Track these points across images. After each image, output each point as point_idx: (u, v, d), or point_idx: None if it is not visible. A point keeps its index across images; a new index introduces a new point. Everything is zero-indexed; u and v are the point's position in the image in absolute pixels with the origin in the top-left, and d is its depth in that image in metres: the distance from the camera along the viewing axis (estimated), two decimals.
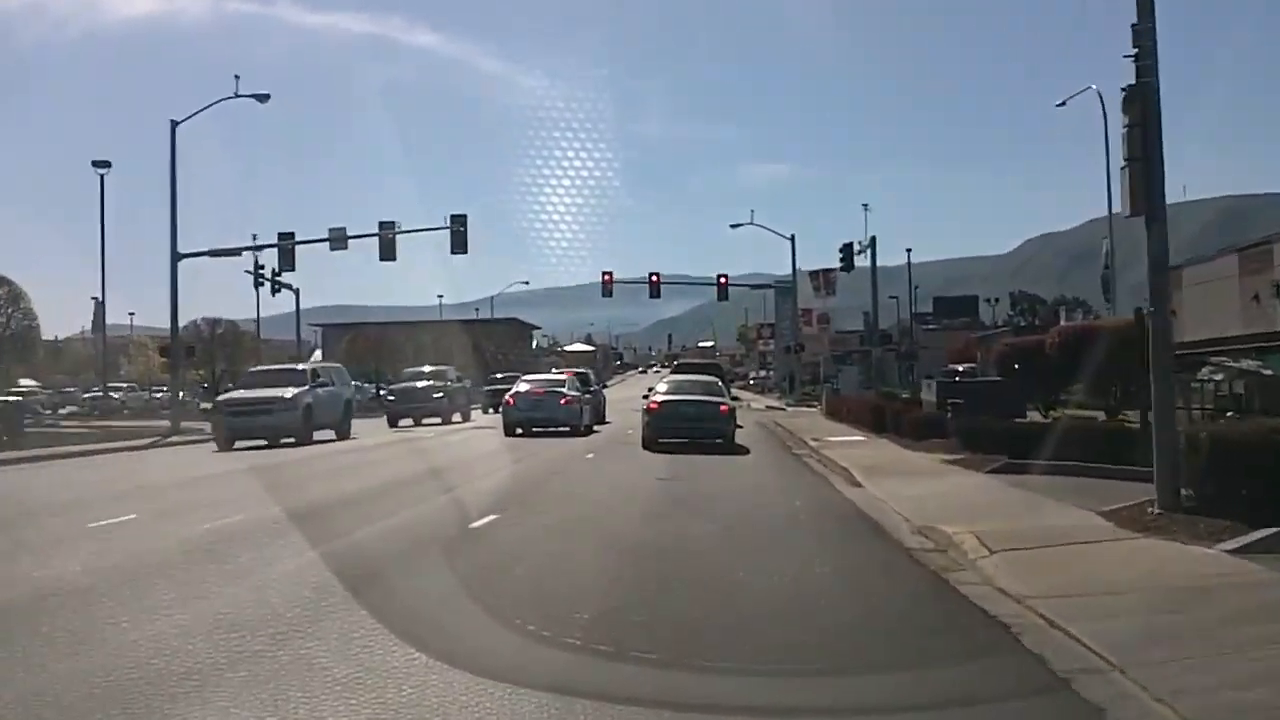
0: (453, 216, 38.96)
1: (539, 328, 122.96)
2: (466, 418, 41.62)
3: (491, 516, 12.12)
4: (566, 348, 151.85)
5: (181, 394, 67.79)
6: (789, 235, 57.67)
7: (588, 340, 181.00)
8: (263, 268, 49.34)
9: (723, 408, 24.23)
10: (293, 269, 40.21)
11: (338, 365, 36.87)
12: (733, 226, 57.82)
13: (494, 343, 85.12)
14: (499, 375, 52.38)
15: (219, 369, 54.72)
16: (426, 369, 44.04)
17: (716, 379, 27.10)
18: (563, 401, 29.40)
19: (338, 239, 39.40)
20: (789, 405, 54.49)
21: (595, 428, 32.61)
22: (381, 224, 39.41)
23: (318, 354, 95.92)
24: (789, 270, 66.10)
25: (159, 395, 64.43)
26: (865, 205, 46.10)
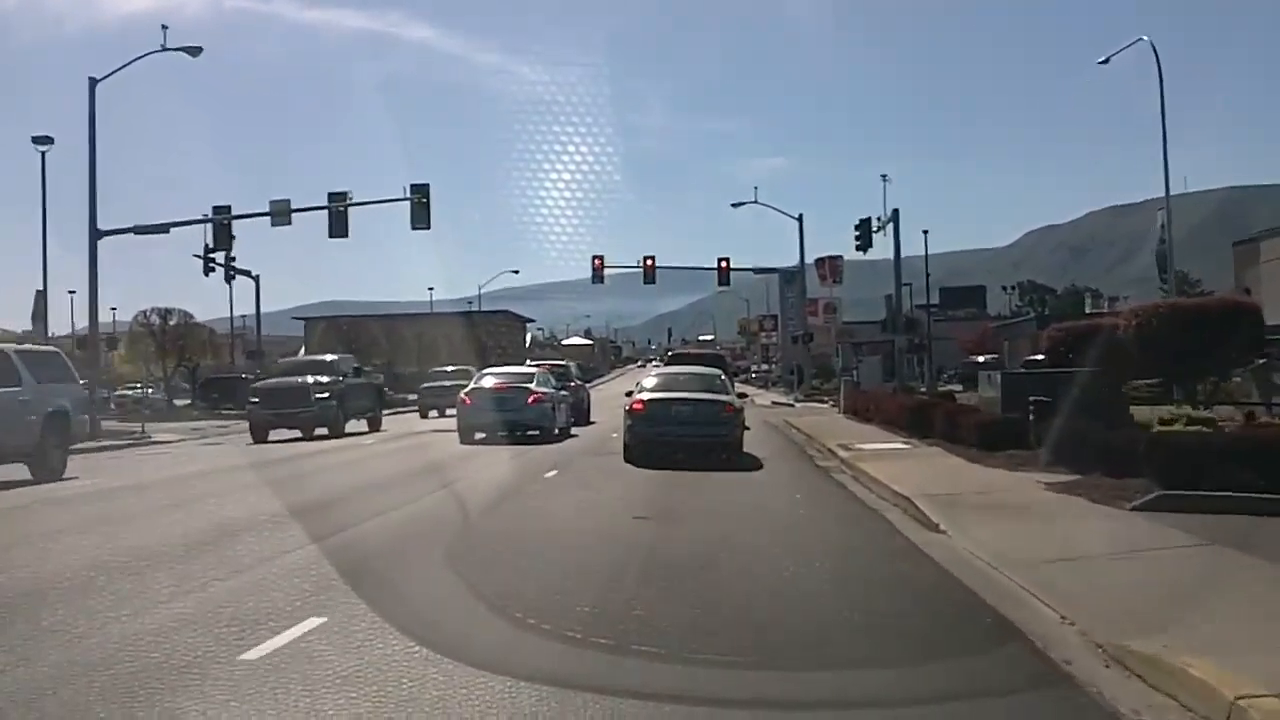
0: (413, 187, 33.29)
1: (532, 320, 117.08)
2: (376, 425, 31.21)
3: (307, 624, 6.39)
4: (564, 341, 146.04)
5: (150, 391, 62.29)
6: (796, 215, 51.88)
7: (586, 334, 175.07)
8: (212, 252, 43.68)
9: (727, 407, 18.44)
10: (229, 247, 34.44)
11: (51, 349, 21.68)
12: (734, 205, 52.13)
13: (487, 335, 79.30)
14: (449, 368, 43.32)
15: (170, 365, 48.98)
16: (329, 358, 32.07)
17: (719, 372, 21.27)
18: (530, 400, 23.61)
19: (280, 212, 33.61)
20: (797, 401, 48.70)
21: (574, 430, 26.88)
22: (331, 195, 33.68)
23: (301, 351, 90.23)
24: (792, 262, 60.72)
25: (126, 393, 58.63)
26: (885, 176, 40.10)
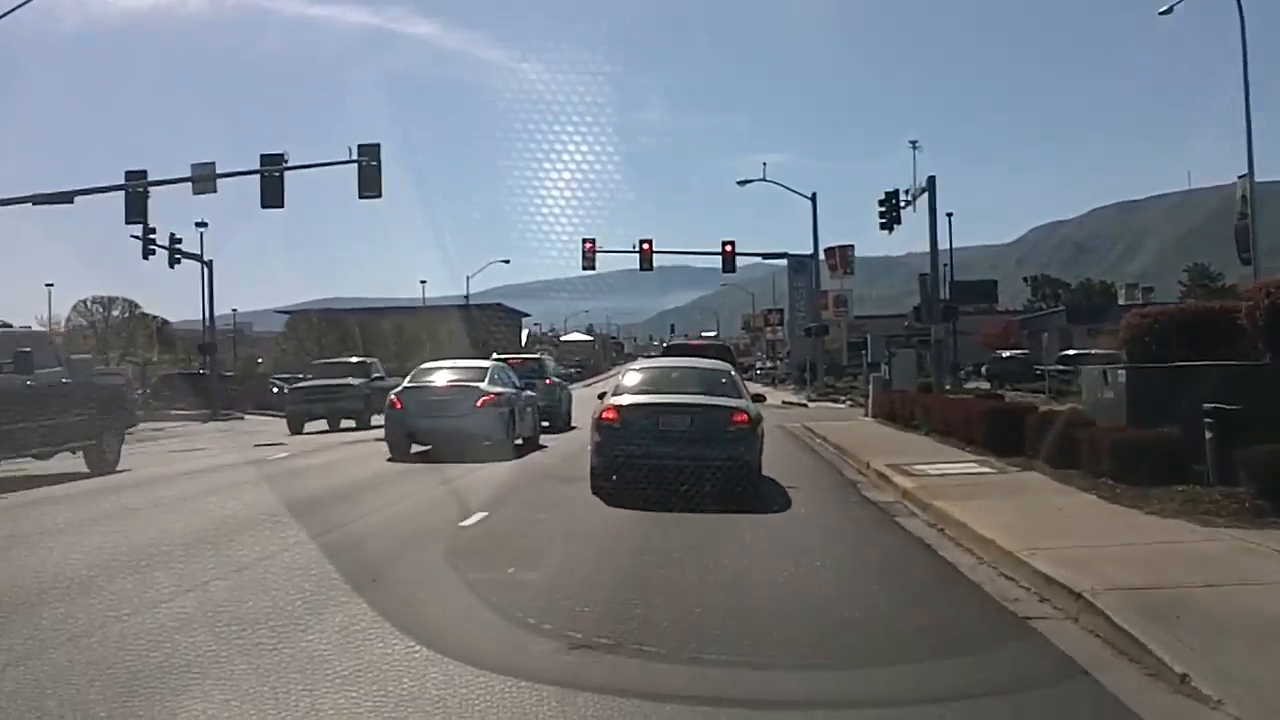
0: (361, 148, 27.64)
1: (528, 315, 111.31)
2: (103, 461, 17.03)
3: None
4: (563, 337, 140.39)
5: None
6: (809, 194, 46.12)
7: (588, 330, 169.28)
8: (154, 231, 38.09)
9: (738, 416, 12.64)
10: (143, 219, 28.70)
11: None
12: (741, 183, 46.36)
13: (477, 329, 73.29)
14: (352, 359, 33.78)
15: (115, 359, 43.34)
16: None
17: (726, 366, 15.43)
18: (479, 403, 17.85)
19: (203, 178, 27.99)
20: (810, 400, 43.02)
21: (546, 440, 21.17)
22: (264, 158, 28.05)
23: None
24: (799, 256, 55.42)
25: None
26: (914, 143, 34.21)
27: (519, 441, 19.56)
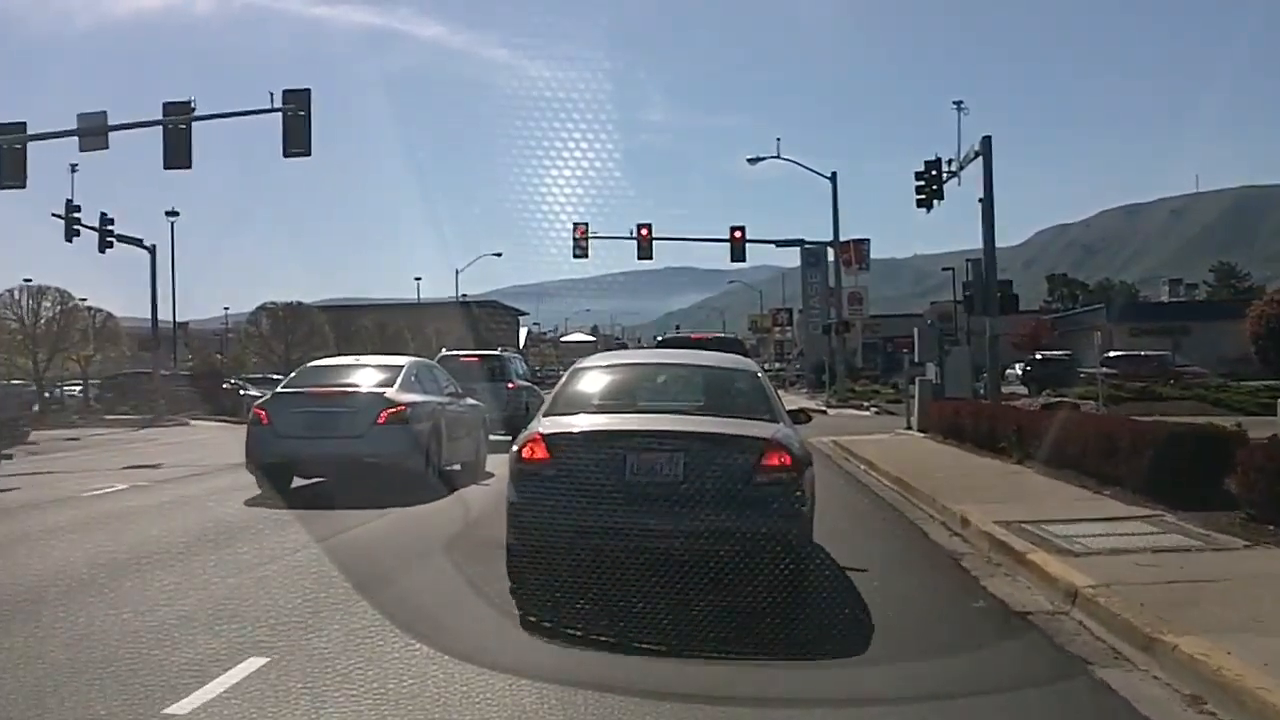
0: (287, 93, 22.05)
1: (525, 313, 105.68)
2: None
3: None
4: (565, 337, 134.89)
5: (78, 390, 51.07)
6: (829, 174, 40.41)
7: (593, 331, 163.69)
8: (78, 210, 32.58)
9: (772, 454, 6.70)
10: (22, 184, 22.99)
11: None
12: (751, 160, 40.62)
13: (468, 327, 67.54)
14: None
15: (43, 357, 37.82)
16: None
17: (746, 364, 9.24)
18: (381, 417, 12.06)
19: (92, 131, 22.38)
20: (830, 407, 37.27)
21: (494, 464, 15.45)
22: (168, 106, 22.48)
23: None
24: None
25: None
26: (959, 103, 28.38)
27: (456, 466, 13.97)
